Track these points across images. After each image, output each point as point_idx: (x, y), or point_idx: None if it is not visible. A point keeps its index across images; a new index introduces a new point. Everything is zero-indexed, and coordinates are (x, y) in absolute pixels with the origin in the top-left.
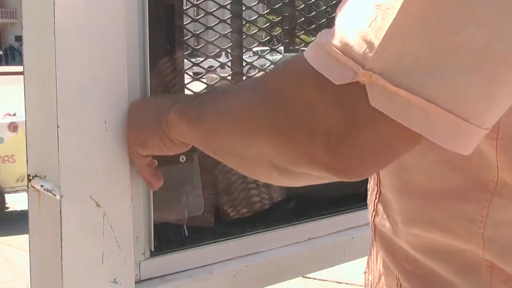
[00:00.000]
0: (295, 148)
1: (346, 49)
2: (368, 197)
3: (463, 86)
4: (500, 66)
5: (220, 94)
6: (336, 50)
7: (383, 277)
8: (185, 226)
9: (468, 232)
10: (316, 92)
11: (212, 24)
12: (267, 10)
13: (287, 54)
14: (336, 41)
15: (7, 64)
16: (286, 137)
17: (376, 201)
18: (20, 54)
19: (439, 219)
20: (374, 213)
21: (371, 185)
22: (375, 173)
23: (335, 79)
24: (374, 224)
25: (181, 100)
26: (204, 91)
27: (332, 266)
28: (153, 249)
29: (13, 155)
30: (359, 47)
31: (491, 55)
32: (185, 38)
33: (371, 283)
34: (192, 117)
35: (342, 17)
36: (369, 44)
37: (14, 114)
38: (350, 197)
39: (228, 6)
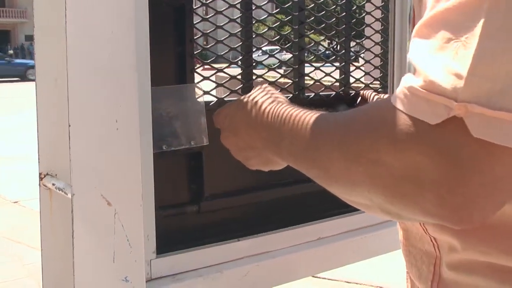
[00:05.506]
0: (405, 201)
1: (434, 87)
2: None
3: None
4: None
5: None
6: (423, 90)
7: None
8: None
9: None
10: (412, 144)
11: (222, 24)
12: (276, 9)
13: (296, 53)
14: (421, 83)
15: None
16: (393, 191)
17: None
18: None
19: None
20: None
21: None
22: None
23: (430, 119)
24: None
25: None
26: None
27: (342, 266)
28: (164, 248)
29: None
30: (446, 81)
31: None
32: (195, 38)
33: None
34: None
35: (418, 58)
36: (457, 75)
37: None
38: None
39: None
